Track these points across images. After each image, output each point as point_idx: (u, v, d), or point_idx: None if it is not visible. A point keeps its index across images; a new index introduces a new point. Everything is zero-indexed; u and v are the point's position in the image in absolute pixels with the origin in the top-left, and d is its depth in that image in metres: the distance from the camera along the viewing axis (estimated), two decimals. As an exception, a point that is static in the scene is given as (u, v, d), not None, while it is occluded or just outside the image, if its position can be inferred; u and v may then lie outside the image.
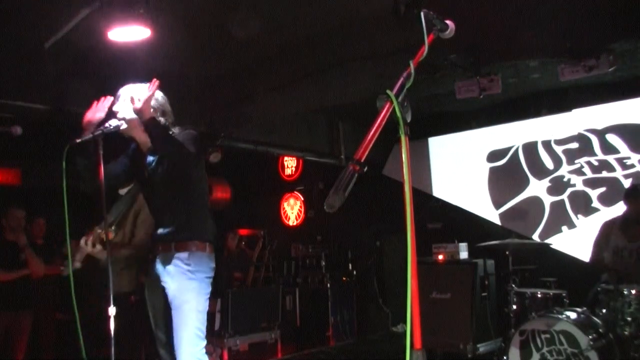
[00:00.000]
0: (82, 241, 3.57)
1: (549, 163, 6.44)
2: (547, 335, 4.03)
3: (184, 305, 2.73)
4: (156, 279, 2.84)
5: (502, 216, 6.73)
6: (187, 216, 2.81)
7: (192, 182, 2.86)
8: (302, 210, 8.79)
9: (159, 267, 2.82)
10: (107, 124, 2.76)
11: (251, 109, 6.02)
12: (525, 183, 6.57)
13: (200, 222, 2.85)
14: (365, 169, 1.43)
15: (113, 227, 3.59)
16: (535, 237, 6.35)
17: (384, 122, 1.50)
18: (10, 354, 4.84)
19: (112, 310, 2.56)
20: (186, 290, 2.75)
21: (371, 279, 7.67)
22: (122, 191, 3.89)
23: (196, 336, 2.72)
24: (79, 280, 3.66)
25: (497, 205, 6.79)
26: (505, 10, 4.30)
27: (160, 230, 2.85)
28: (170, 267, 2.77)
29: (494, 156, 6.87)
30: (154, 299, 2.93)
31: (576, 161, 6.23)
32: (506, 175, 6.73)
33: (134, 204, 3.75)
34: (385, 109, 1.50)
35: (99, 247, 3.56)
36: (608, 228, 4.81)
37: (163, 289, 2.80)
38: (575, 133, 6.24)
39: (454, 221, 6.97)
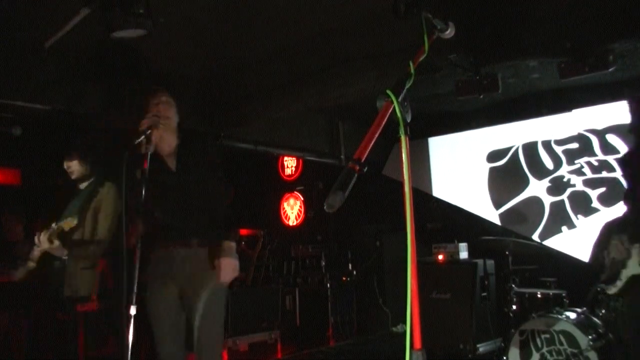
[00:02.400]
0: (36, 238, 3.49)
1: (548, 163, 6.44)
2: (547, 335, 4.03)
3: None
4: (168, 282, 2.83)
5: (502, 216, 6.73)
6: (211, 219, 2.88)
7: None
8: (302, 210, 8.79)
9: (178, 268, 2.81)
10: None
11: (251, 108, 6.02)
12: (525, 183, 6.57)
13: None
14: (365, 168, 1.43)
15: (69, 219, 3.47)
16: (535, 237, 6.35)
17: (384, 122, 1.50)
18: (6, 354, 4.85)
19: (132, 310, 2.52)
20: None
21: (371, 279, 7.67)
22: (82, 185, 3.87)
23: None
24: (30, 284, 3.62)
25: (497, 205, 6.79)
26: (505, 10, 4.30)
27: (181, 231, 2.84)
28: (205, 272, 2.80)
29: (494, 156, 6.87)
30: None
31: (576, 161, 6.23)
32: (506, 175, 6.73)
33: (93, 199, 3.70)
34: (386, 108, 1.50)
35: (57, 242, 3.48)
36: (608, 229, 4.88)
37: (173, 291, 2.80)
38: (575, 133, 6.24)
39: (454, 221, 6.97)
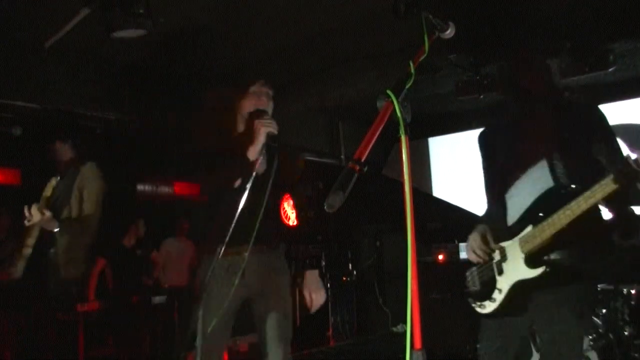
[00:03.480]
0: (26, 212, 3.43)
1: (549, 163, 6.43)
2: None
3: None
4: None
5: (502, 216, 6.72)
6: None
7: None
8: (295, 213, 8.77)
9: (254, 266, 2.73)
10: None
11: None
12: (525, 183, 6.56)
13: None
14: (366, 168, 1.43)
15: (48, 184, 3.49)
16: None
17: (384, 122, 1.50)
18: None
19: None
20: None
21: (371, 279, 7.67)
22: (67, 171, 3.87)
23: None
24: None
25: (497, 205, 6.79)
26: (505, 10, 4.30)
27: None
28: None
29: (494, 156, 6.87)
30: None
31: (576, 161, 6.22)
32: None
33: (76, 178, 3.67)
34: (386, 108, 1.50)
35: (47, 213, 3.44)
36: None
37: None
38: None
39: (454, 221, 6.97)
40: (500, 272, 2.27)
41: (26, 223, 3.43)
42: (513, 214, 2.33)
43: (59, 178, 3.51)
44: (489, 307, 2.29)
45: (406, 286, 1.41)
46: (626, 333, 3.96)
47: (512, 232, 2.27)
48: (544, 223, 2.09)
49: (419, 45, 1.64)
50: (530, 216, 2.19)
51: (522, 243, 2.18)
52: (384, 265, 7.70)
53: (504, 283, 2.24)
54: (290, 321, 2.74)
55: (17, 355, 4.94)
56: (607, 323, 4.03)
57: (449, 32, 1.76)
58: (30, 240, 3.52)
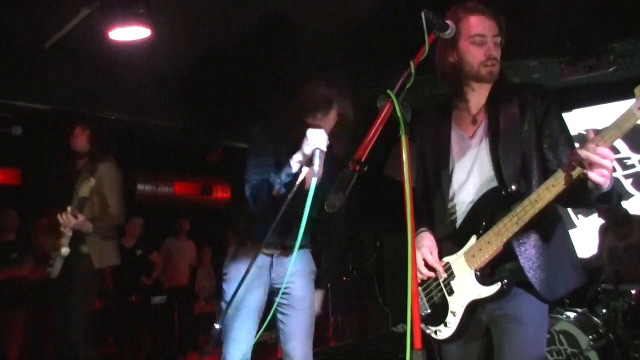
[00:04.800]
0: (60, 218, 3.44)
1: (549, 163, 6.43)
2: (547, 335, 4.03)
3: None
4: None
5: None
6: None
7: None
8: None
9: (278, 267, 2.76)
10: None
11: (251, 108, 6.02)
12: (525, 183, 6.56)
13: None
14: (366, 168, 1.43)
15: (84, 183, 3.50)
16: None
17: (384, 122, 1.50)
18: (2, 353, 4.85)
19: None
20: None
21: (371, 279, 7.66)
22: (80, 163, 3.88)
23: None
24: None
25: (497, 205, 6.78)
26: (505, 10, 4.29)
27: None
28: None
29: (494, 156, 6.86)
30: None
31: (576, 161, 6.22)
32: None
33: (91, 178, 3.70)
34: (386, 108, 1.50)
35: (81, 216, 3.47)
36: (604, 229, 5.19)
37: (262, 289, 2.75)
38: (576, 133, 6.23)
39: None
40: (451, 292, 1.97)
41: (62, 230, 3.47)
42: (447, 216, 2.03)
43: (92, 180, 3.51)
44: (444, 332, 2.01)
45: (406, 286, 1.41)
46: (626, 333, 3.96)
47: (453, 241, 1.98)
48: (490, 233, 1.84)
49: (420, 45, 1.64)
50: (472, 224, 1.93)
51: (469, 258, 1.90)
52: (384, 265, 7.69)
53: (457, 305, 1.95)
54: (313, 321, 2.80)
55: (24, 352, 4.97)
56: (607, 323, 4.03)
57: (449, 32, 1.76)
58: (64, 241, 3.56)
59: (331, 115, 2.67)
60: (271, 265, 2.74)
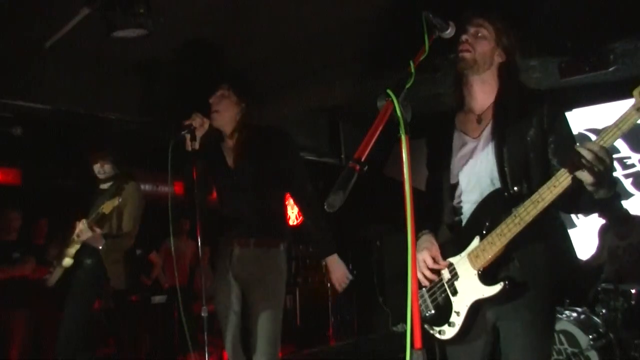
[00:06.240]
0: (77, 229, 3.47)
1: (549, 163, 6.43)
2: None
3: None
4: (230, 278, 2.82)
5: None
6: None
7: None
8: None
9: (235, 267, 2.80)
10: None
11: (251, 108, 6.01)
12: (525, 183, 6.56)
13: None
14: (366, 168, 1.43)
15: (108, 202, 3.51)
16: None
17: (384, 122, 1.50)
18: (3, 352, 4.86)
19: (204, 311, 2.60)
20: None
21: (371, 278, 7.66)
22: (104, 186, 3.90)
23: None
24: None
25: (497, 205, 6.78)
26: (505, 10, 4.29)
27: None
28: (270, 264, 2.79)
29: (494, 156, 6.86)
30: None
31: (576, 161, 6.22)
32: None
33: (117, 197, 3.72)
34: (386, 108, 1.50)
35: (98, 230, 3.49)
36: (604, 229, 5.19)
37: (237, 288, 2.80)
38: (576, 133, 6.22)
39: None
40: (455, 293, 1.99)
41: (75, 238, 3.47)
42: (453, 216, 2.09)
43: (117, 200, 3.52)
44: (449, 332, 2.03)
45: (406, 286, 1.41)
46: (626, 333, 3.96)
47: (457, 242, 2.01)
48: (493, 234, 1.87)
49: (419, 45, 1.64)
50: (476, 225, 1.96)
51: (472, 258, 1.93)
52: (384, 265, 7.69)
53: (461, 305, 1.97)
54: (278, 321, 2.75)
55: (25, 352, 4.97)
56: (607, 323, 4.03)
57: (449, 32, 1.76)
58: (71, 251, 3.55)
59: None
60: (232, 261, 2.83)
